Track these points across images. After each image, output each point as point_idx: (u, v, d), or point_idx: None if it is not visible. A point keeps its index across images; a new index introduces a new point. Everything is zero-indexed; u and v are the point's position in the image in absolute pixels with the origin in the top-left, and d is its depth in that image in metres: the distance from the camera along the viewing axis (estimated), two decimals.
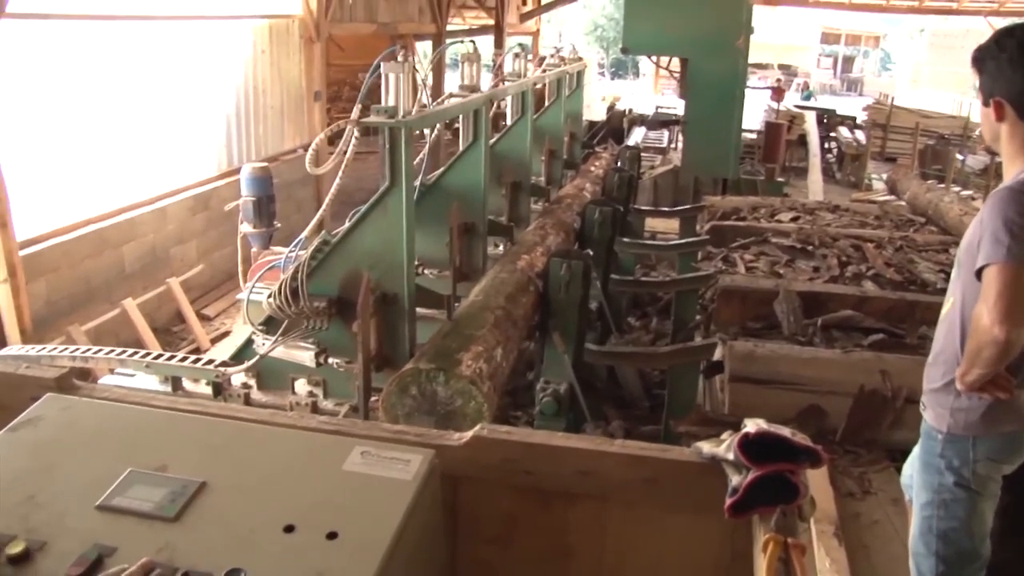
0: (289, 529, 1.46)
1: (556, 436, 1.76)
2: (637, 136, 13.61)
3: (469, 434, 1.76)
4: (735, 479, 1.50)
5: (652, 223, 8.12)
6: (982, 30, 18.81)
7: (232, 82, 9.47)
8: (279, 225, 6.77)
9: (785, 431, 1.49)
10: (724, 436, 1.57)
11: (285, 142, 10.29)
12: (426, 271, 4.36)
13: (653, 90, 32.25)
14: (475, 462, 1.75)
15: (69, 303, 6.82)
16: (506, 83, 5.31)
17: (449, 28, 16.06)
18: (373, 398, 3.22)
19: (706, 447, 1.61)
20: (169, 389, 3.66)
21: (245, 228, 6.54)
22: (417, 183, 4.26)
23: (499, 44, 16.57)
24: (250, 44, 9.65)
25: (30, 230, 6.54)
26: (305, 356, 3.41)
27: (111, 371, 3.91)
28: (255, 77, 9.80)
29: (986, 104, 2.42)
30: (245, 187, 6.52)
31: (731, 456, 1.51)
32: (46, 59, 6.96)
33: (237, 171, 9.19)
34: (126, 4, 7.68)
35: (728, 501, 1.49)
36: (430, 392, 3.02)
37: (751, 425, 1.51)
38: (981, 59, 2.41)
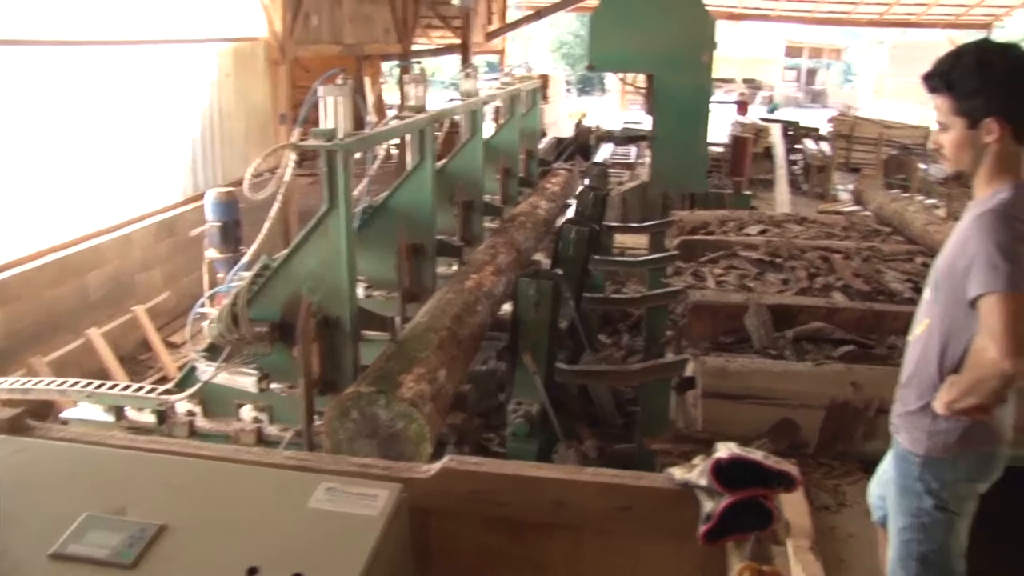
0: (252, 572, 1.42)
1: (527, 466, 1.73)
2: (605, 152, 13.64)
3: (437, 466, 1.73)
4: (708, 505, 1.48)
5: (621, 239, 8.12)
6: (940, 42, 19.14)
7: (197, 106, 9.38)
8: (245, 250, 6.69)
9: (758, 455, 1.47)
10: (696, 461, 1.54)
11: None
12: (375, 293, 4.37)
13: (620, 106, 32.44)
14: (445, 494, 1.72)
15: (32, 334, 6.69)
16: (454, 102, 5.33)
17: (415, 48, 16.06)
18: (318, 423, 3.20)
19: (678, 473, 1.58)
20: (112, 419, 3.63)
21: (211, 254, 6.46)
22: (363, 205, 4.25)
23: (466, 63, 16.58)
24: (215, 68, 9.57)
25: None
26: (247, 382, 3.39)
27: (75, 403, 3.84)
28: (220, 101, 9.72)
29: (973, 126, 2.32)
30: (210, 212, 6.44)
31: (704, 482, 1.49)
32: (5, 86, 6.86)
33: (203, 196, 9.12)
34: (88, 30, 7.59)
35: (702, 528, 1.47)
36: (371, 415, 2.99)
37: (723, 450, 1.48)
38: (952, 80, 2.33)
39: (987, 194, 2.32)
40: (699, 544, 1.49)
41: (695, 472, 1.53)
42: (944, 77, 2.36)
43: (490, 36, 20.88)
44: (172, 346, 8.03)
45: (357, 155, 3.52)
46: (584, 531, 1.73)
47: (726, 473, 1.46)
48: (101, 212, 7.88)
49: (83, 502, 1.56)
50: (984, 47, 2.36)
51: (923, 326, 2.50)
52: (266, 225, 3.46)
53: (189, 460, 1.81)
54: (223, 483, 1.69)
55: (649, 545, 1.69)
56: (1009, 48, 2.36)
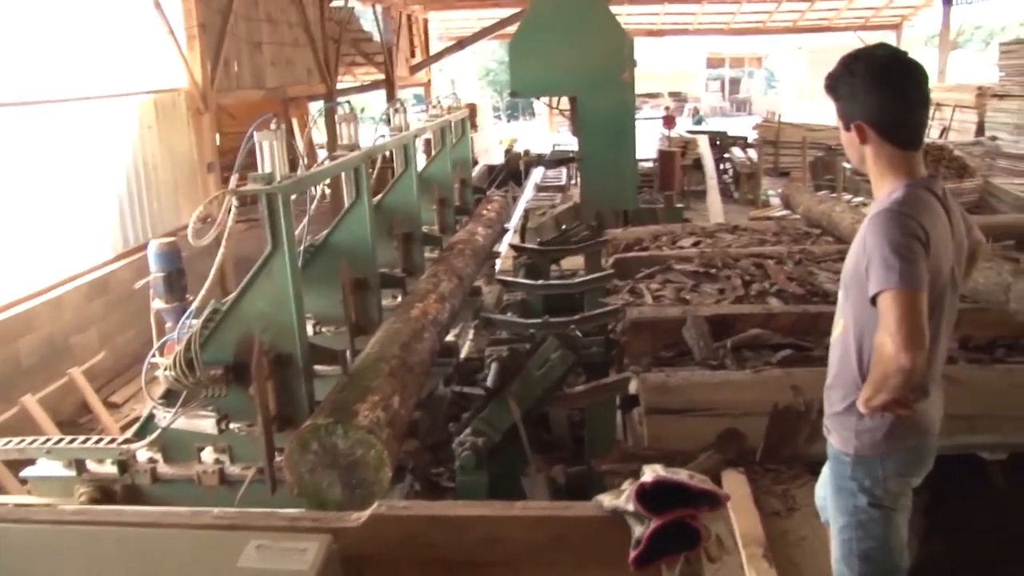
0: None
1: (457, 506, 1.72)
2: (536, 176, 13.71)
3: (366, 513, 1.71)
4: (638, 530, 1.48)
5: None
6: (854, 44, 19.64)
7: (120, 161, 9.26)
8: (192, 298, 6.62)
9: (683, 475, 1.47)
10: (624, 487, 1.55)
11: (181, 216, 10.06)
12: (323, 329, 4.43)
13: (549, 129, 32.72)
14: (376, 541, 1.70)
15: None
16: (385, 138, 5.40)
17: (340, 86, 16.03)
18: (278, 458, 3.25)
19: (607, 500, 1.58)
20: (74, 473, 3.63)
21: (157, 304, 6.38)
22: (305, 244, 4.29)
23: (391, 98, 16.62)
24: (136, 121, 9.46)
25: None
26: (206, 424, 3.44)
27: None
28: (144, 154, 9.60)
29: (847, 129, 2.46)
30: (153, 263, 6.37)
31: (631, 507, 1.49)
32: None
33: (134, 251, 8.99)
34: (1, 92, 7.46)
35: (632, 554, 1.47)
36: (330, 446, 3.06)
37: (648, 473, 1.49)
38: (834, 86, 2.47)
39: (883, 194, 2.41)
40: (632, 569, 1.49)
41: (623, 498, 1.53)
42: (829, 82, 2.49)
43: (414, 69, 20.98)
44: (112, 406, 7.86)
45: (294, 196, 3.60)
46: (519, 566, 1.71)
47: (652, 497, 1.47)
48: (29, 276, 7.73)
49: None
50: (855, 53, 2.48)
51: (840, 327, 2.57)
52: (213, 271, 3.55)
53: (116, 529, 1.77)
54: (151, 550, 1.66)
55: (584, 574, 1.69)
56: (876, 53, 2.46)
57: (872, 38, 22.22)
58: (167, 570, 1.58)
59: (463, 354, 5.65)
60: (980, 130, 18.19)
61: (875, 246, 2.25)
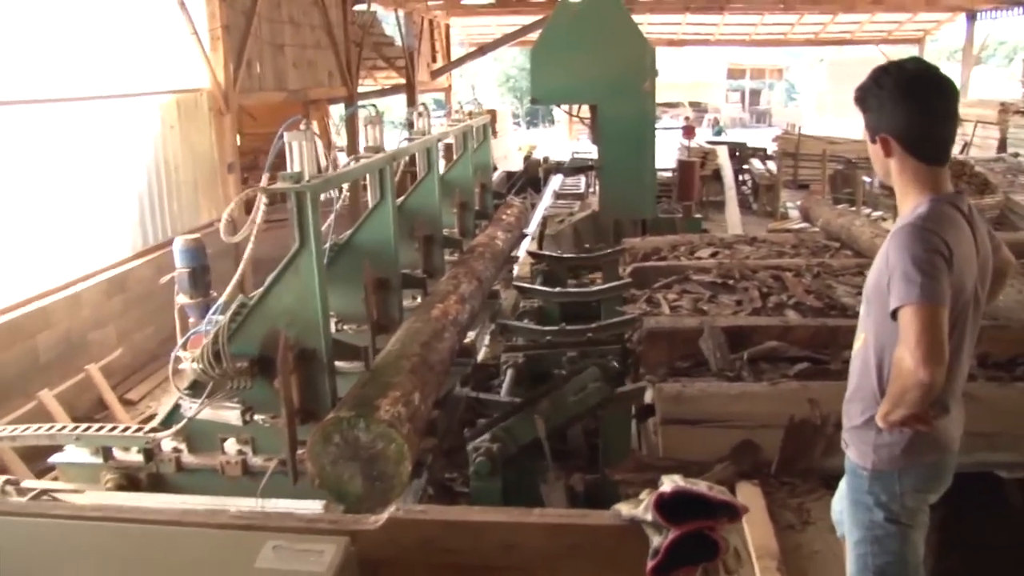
0: None
1: (474, 511, 1.73)
2: (555, 184, 13.69)
3: (384, 516, 1.71)
4: (656, 540, 1.47)
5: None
6: (876, 58, 19.59)
7: (142, 160, 9.31)
8: (215, 294, 6.67)
9: (702, 486, 1.47)
10: (642, 496, 1.54)
11: (201, 216, 10.14)
12: (345, 327, 4.47)
13: (568, 136, 32.69)
14: (393, 544, 1.70)
15: None
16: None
17: (361, 89, 16.08)
18: (301, 450, 3.31)
19: (625, 509, 1.58)
20: (101, 460, 3.72)
21: (182, 299, 6.47)
22: (330, 243, 4.34)
23: (412, 102, 16.67)
24: (158, 120, 9.52)
25: None
26: (232, 415, 3.51)
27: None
28: (165, 153, 9.66)
29: (873, 141, 2.47)
30: (179, 259, 6.50)
31: (649, 517, 1.48)
32: None
33: (153, 250, 9.05)
34: (27, 89, 7.52)
35: (650, 564, 1.46)
36: (352, 439, 3.13)
37: (667, 483, 1.48)
38: (863, 98, 2.47)
39: (908, 209, 2.40)
40: None
41: (641, 507, 1.52)
42: (859, 94, 2.51)
43: (435, 74, 21.05)
44: (128, 403, 7.90)
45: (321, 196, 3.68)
46: (536, 573, 1.71)
47: (671, 506, 1.46)
48: (48, 272, 7.77)
49: None
50: (886, 66, 2.49)
51: (861, 340, 2.55)
52: (241, 265, 3.60)
53: (133, 526, 1.77)
54: (168, 549, 1.66)
55: None
56: (906, 67, 2.46)
57: (894, 52, 22.14)
58: (184, 569, 1.58)
59: (479, 358, 5.66)
60: (1002, 146, 18.06)
61: (897, 260, 2.25)
